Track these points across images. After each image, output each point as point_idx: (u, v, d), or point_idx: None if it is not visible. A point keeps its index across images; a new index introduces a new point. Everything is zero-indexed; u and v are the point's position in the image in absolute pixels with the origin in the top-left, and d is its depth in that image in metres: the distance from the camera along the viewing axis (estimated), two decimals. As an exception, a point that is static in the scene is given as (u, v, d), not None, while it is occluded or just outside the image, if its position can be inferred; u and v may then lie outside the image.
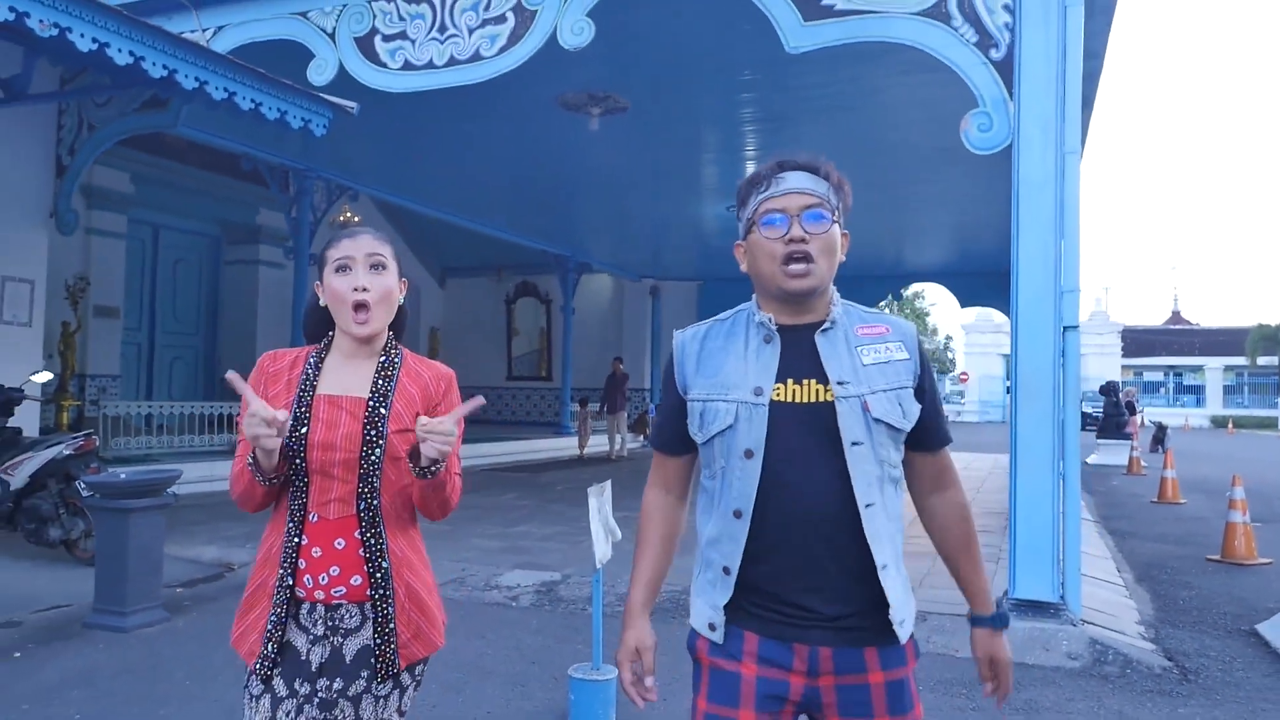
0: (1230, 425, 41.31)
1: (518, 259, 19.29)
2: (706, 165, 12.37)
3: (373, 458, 1.85)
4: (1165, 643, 5.13)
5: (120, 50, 5.36)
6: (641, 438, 18.69)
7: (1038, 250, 5.28)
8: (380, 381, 1.91)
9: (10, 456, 6.30)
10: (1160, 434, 22.95)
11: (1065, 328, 5.27)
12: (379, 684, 1.85)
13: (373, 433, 1.86)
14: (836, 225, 1.70)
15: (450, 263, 21.14)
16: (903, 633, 1.65)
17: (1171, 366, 53.09)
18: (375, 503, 1.86)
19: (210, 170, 13.92)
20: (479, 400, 1.82)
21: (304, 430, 1.85)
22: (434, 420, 1.79)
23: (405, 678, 1.91)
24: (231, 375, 1.80)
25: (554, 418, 19.27)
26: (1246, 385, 49.85)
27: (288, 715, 1.82)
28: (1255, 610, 5.86)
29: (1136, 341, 52.17)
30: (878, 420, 1.64)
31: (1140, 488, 13.79)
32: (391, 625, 1.86)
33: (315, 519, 1.85)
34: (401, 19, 6.73)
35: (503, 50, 6.44)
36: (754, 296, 1.80)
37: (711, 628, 1.69)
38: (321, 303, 1.95)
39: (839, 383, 1.65)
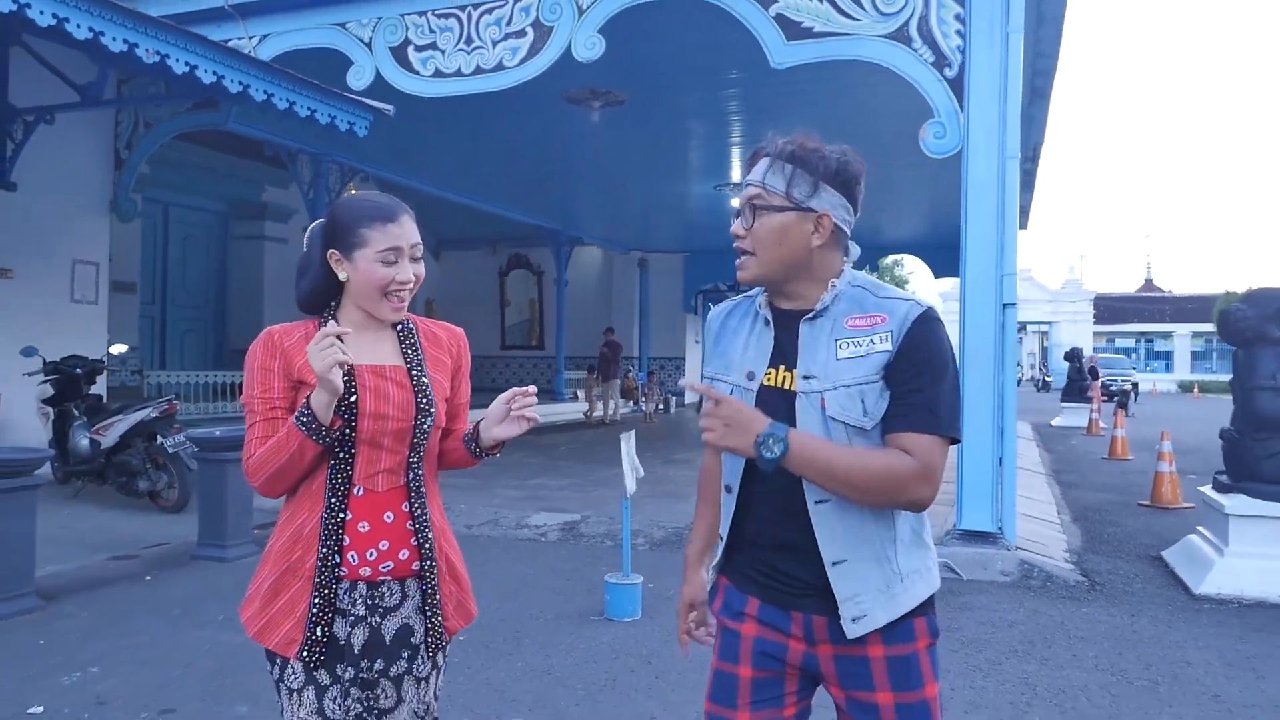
0: (1196, 389, 42.73)
1: (511, 233, 20.08)
2: (694, 150, 13.30)
3: (424, 427, 1.83)
4: (1084, 565, 6.21)
5: (205, 71, 6.23)
6: (631, 403, 19.72)
7: (981, 239, 6.30)
8: (410, 352, 1.88)
9: (101, 419, 7.25)
10: (1123, 399, 24.15)
11: (1004, 305, 6.29)
12: (420, 664, 1.84)
13: (424, 401, 1.84)
14: (785, 212, 1.64)
15: (445, 236, 21.88)
16: (854, 629, 1.59)
17: (1142, 333, 54.47)
18: (421, 473, 1.86)
19: (217, 150, 14.57)
20: (532, 389, 1.90)
21: (353, 399, 1.78)
22: (522, 402, 1.87)
23: (440, 658, 1.90)
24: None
25: (547, 385, 20.26)
26: (1214, 351, 51.31)
27: (335, 703, 1.78)
28: (1168, 543, 6.94)
29: (1109, 308, 53.51)
30: (834, 419, 1.60)
31: (1095, 446, 14.94)
32: (438, 597, 1.85)
33: (361, 492, 1.79)
34: (432, 31, 7.63)
35: (523, 61, 7.36)
36: None
37: (708, 587, 1.83)
38: (342, 277, 1.85)
39: (804, 377, 1.63)
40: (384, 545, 1.78)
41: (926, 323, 1.62)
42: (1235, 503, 5.64)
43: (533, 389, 1.88)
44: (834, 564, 1.60)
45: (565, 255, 19.73)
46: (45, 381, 7.46)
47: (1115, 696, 3.80)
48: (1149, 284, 60.16)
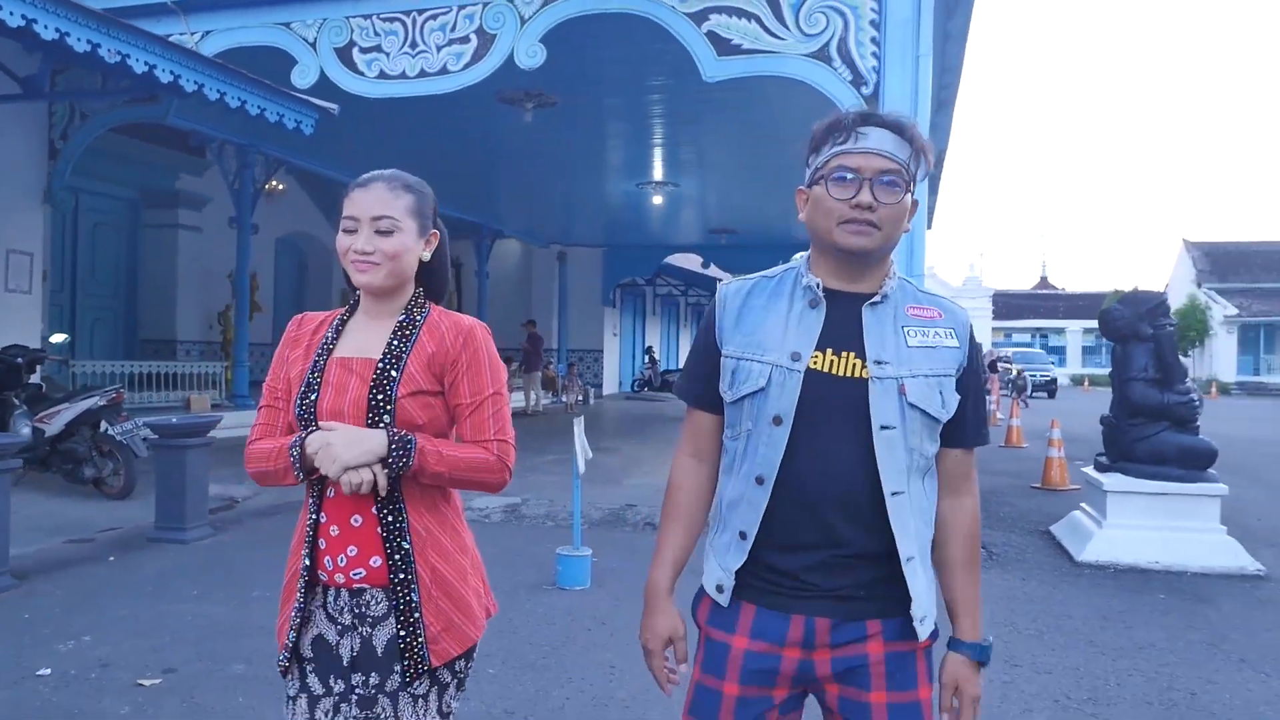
0: (1086, 383, 44.98)
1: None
2: (618, 150, 13.76)
3: (380, 425, 1.69)
4: (982, 540, 6.87)
5: (163, 71, 6.46)
6: (551, 394, 20.10)
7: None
8: (395, 342, 1.76)
9: (43, 408, 7.35)
10: (1020, 390, 25.53)
11: (914, 303, 6.89)
12: (414, 682, 1.70)
13: (379, 397, 1.70)
14: (909, 195, 1.58)
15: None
16: (923, 629, 1.57)
17: (1038, 329, 56.99)
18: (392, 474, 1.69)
19: (130, 136, 14.29)
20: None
21: (313, 397, 1.73)
22: (319, 436, 1.68)
23: (444, 674, 1.75)
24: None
25: (469, 376, 20.40)
26: (1103, 346, 53.94)
27: (326, 715, 1.71)
28: (1056, 519, 7.67)
29: (1007, 305, 55.86)
30: (913, 406, 1.55)
31: (993, 435, 15.90)
32: (417, 615, 1.69)
33: (332, 494, 1.73)
34: (377, 34, 7.89)
35: (467, 66, 7.69)
36: (804, 255, 1.71)
37: (719, 589, 1.64)
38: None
39: (877, 361, 1.56)
40: (353, 551, 1.71)
41: (971, 328, 1.66)
42: (1112, 481, 6.35)
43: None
44: (908, 560, 1.55)
45: (487, 248, 19.99)
46: (-18, 371, 7.52)
47: (1008, 643, 4.40)
48: (1044, 281, 62.95)
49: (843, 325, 1.59)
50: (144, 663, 3.84)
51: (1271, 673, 4.10)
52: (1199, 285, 44.51)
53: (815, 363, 1.57)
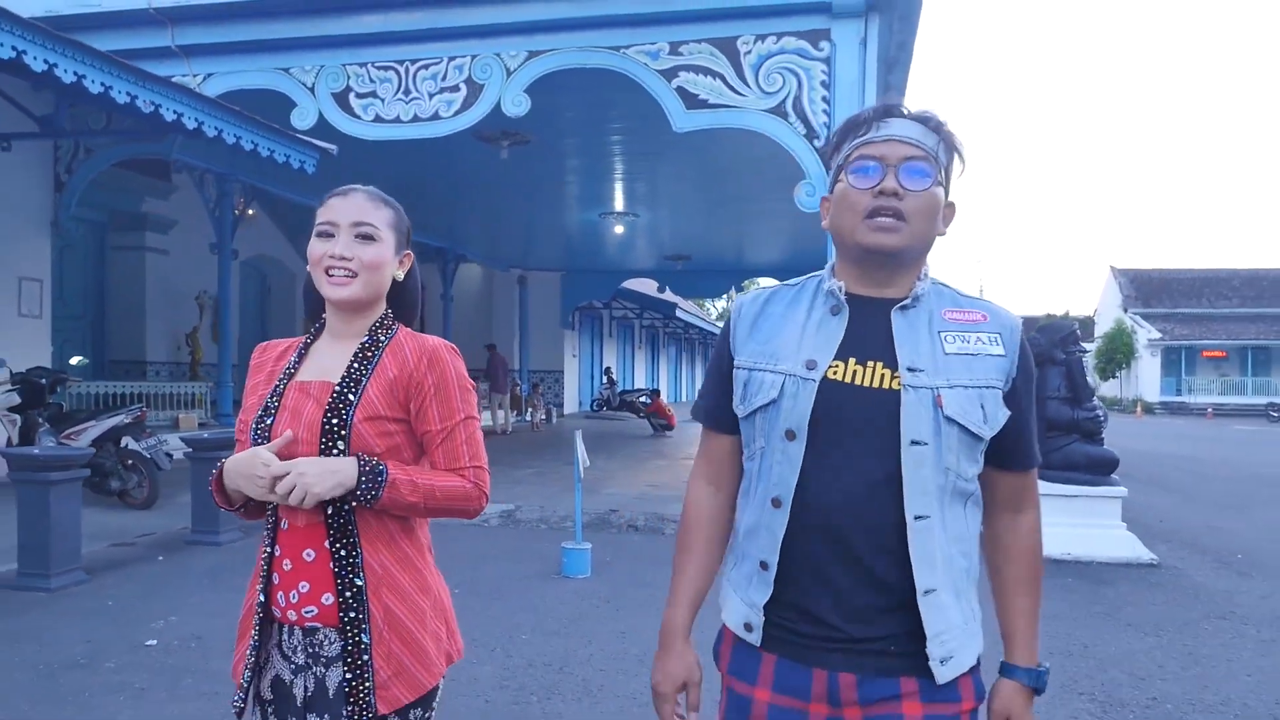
0: (1019, 402, 46.76)
1: (397, 249, 20.88)
2: (581, 183, 14.67)
3: (334, 452, 1.61)
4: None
5: (189, 119, 7.18)
6: (517, 414, 20.83)
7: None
8: (356, 364, 1.67)
9: (67, 426, 7.97)
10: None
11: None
12: None
13: (334, 421, 1.62)
14: (940, 187, 1.45)
15: (327, 250, 22.41)
16: (944, 672, 1.40)
17: (974, 349, 58.88)
18: (346, 508, 1.61)
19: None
20: (288, 436, 1.62)
21: (269, 421, 1.65)
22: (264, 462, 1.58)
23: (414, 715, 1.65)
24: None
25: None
26: (1035, 366, 55.94)
27: None
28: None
29: (943, 327, 57.67)
30: (950, 420, 1.39)
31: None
32: (366, 657, 1.60)
33: (285, 525, 1.65)
34: (372, 81, 8.67)
35: (457, 113, 8.51)
36: (829, 262, 1.60)
37: (748, 628, 1.50)
38: (308, 268, 1.73)
39: (910, 369, 1.41)
40: (304, 587, 1.62)
41: (1023, 335, 1.50)
42: (1032, 485, 7.36)
43: (287, 436, 1.63)
44: (926, 593, 1.39)
45: (451, 272, 20.69)
46: (11, 391, 8.12)
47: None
48: (980, 304, 65.01)
49: (868, 332, 1.45)
50: (230, 635, 4.56)
51: (1150, 632, 5.08)
52: (1125, 310, 46.62)
53: (834, 372, 1.43)
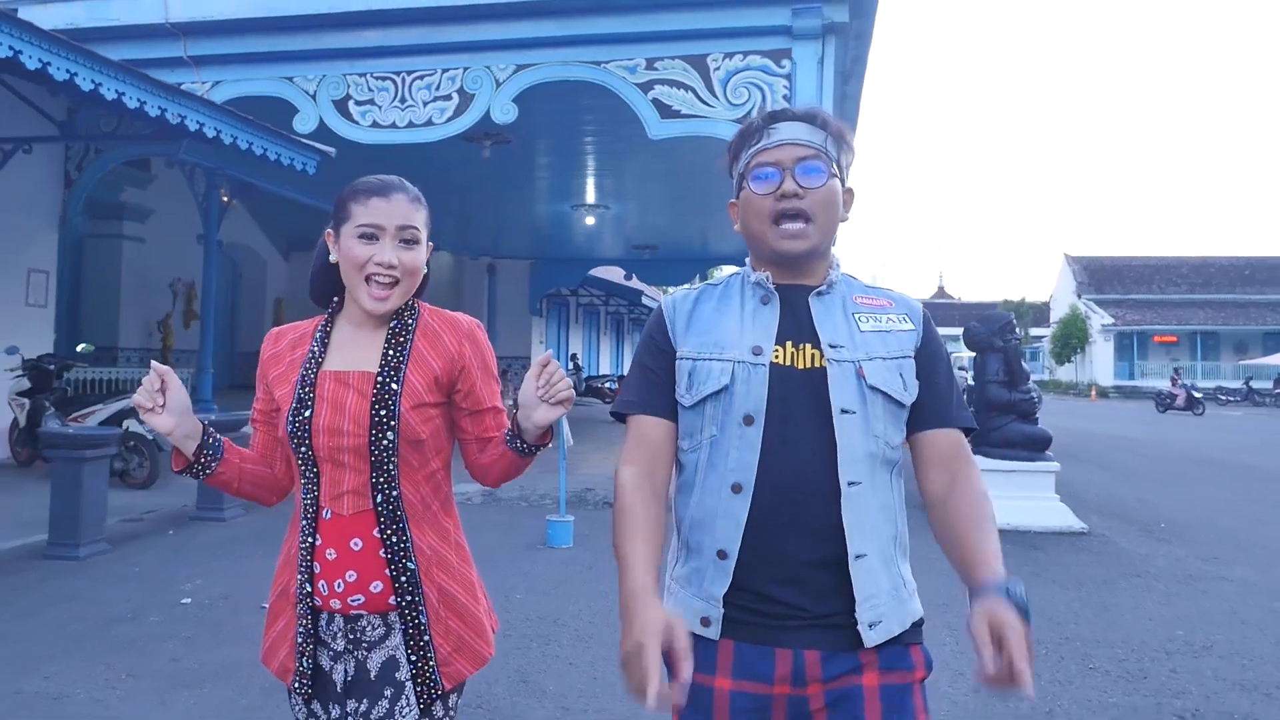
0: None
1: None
2: (555, 178, 15.19)
3: (384, 442, 1.61)
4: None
5: (209, 128, 7.65)
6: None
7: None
8: (391, 352, 1.66)
9: (74, 409, 8.41)
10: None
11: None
12: (404, 708, 1.60)
13: (382, 412, 1.61)
14: (835, 179, 1.53)
15: (294, 235, 22.67)
16: (871, 636, 1.43)
17: (934, 335, 60.08)
18: (395, 494, 1.63)
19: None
20: (549, 354, 1.62)
21: (308, 414, 1.63)
22: (546, 376, 1.58)
23: (438, 708, 1.64)
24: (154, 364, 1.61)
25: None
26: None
27: None
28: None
29: (904, 313, 58.74)
30: (874, 389, 1.47)
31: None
32: (426, 638, 1.62)
33: (329, 515, 1.63)
34: (370, 89, 9.15)
35: (449, 120, 9.02)
36: (747, 259, 1.66)
37: (705, 623, 1.47)
38: (332, 258, 1.70)
39: (831, 345, 1.49)
40: (351, 576, 1.61)
41: (926, 313, 1.61)
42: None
43: (549, 354, 1.62)
44: (857, 557, 1.43)
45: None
46: (21, 376, 8.55)
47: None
48: (941, 291, 66.39)
49: (797, 318, 1.54)
50: (255, 595, 5.11)
51: (1071, 588, 5.77)
52: (1079, 296, 47.89)
53: (777, 356, 1.50)
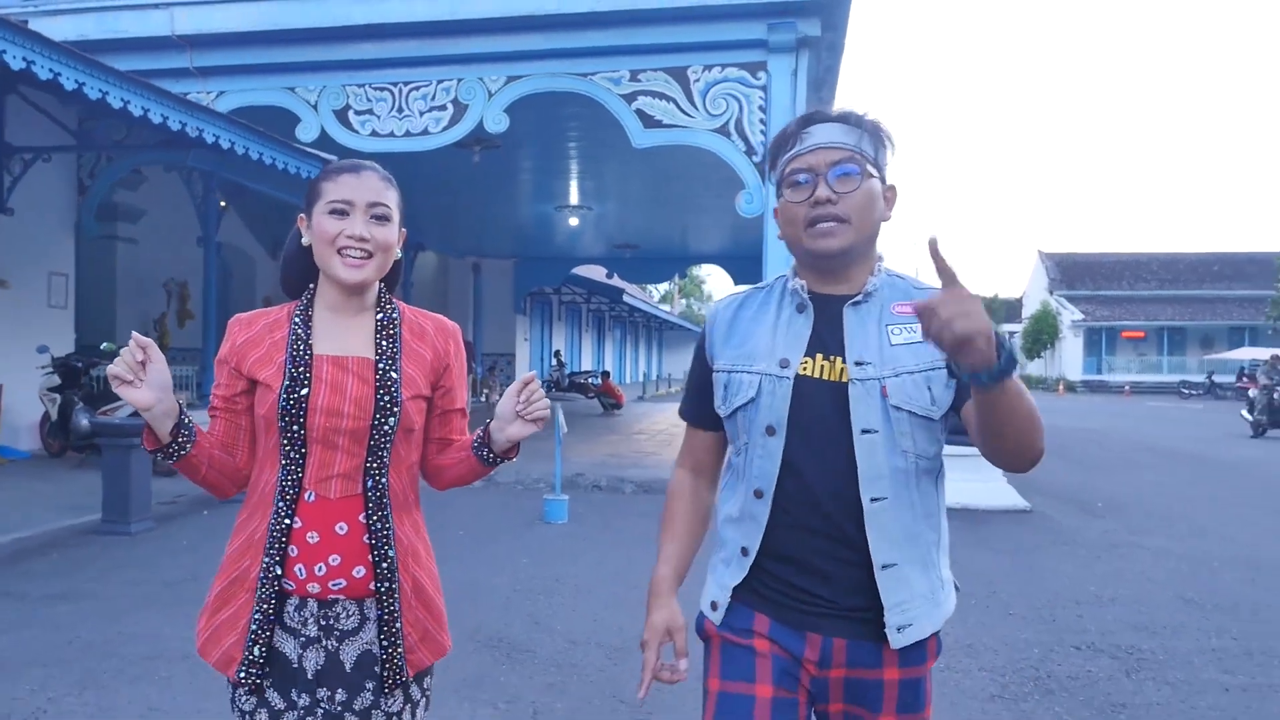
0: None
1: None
2: (540, 180, 15.89)
3: (385, 428, 1.63)
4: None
5: (224, 140, 8.32)
6: (473, 395, 22.05)
7: (782, 268, 9.25)
8: (385, 342, 1.68)
9: (103, 404, 9.06)
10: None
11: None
12: (387, 698, 1.64)
13: (386, 399, 1.63)
14: (874, 179, 1.54)
15: (281, 235, 23.10)
16: (898, 639, 1.50)
17: (910, 331, 61.05)
18: (384, 481, 1.65)
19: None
20: (532, 374, 1.69)
21: (304, 392, 1.61)
22: (526, 394, 1.65)
23: (415, 690, 1.70)
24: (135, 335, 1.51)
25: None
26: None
27: None
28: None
29: (880, 309, 59.69)
30: (897, 408, 1.49)
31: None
32: (398, 626, 1.64)
33: (312, 498, 1.61)
34: (369, 100, 9.83)
35: (445, 129, 9.72)
36: (791, 263, 1.68)
37: (714, 606, 1.62)
38: (305, 241, 1.69)
39: (857, 363, 1.51)
40: (334, 560, 1.61)
41: None
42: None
43: (532, 375, 1.69)
44: (884, 567, 1.49)
45: (411, 260, 21.73)
46: (52, 372, 9.20)
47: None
48: (915, 287, 67.28)
49: (830, 329, 1.56)
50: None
51: (1005, 554, 6.58)
52: (1051, 292, 49.00)
53: (805, 368, 1.54)
